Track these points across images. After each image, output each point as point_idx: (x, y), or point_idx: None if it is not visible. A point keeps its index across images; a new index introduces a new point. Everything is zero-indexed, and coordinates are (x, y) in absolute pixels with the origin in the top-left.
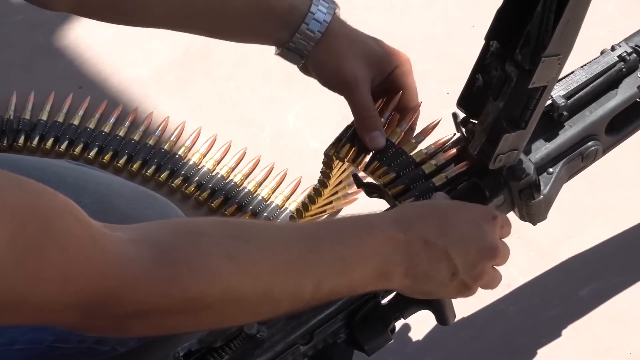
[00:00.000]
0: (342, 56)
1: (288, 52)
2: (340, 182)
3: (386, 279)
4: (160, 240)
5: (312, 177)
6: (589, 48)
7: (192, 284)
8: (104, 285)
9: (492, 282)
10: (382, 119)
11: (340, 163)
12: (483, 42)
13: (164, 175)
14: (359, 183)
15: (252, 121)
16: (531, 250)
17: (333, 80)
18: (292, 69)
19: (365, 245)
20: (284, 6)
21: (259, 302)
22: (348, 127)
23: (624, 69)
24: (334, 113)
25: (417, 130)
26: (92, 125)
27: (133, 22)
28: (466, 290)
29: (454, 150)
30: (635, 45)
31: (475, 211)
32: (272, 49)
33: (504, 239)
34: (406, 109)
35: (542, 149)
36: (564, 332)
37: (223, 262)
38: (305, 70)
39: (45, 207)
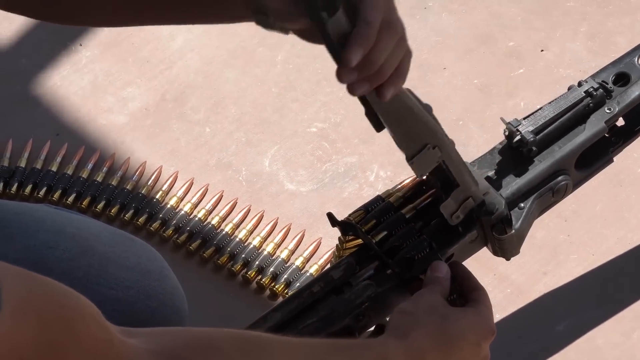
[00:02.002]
0: None
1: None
2: None
3: None
4: (174, 352)
5: (288, 219)
6: (557, 87)
7: None
8: None
9: None
10: None
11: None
12: (455, 83)
13: (142, 219)
14: (333, 222)
15: (228, 165)
16: (507, 287)
17: None
18: (266, 114)
19: None
20: None
21: None
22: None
23: (591, 104)
24: (309, 155)
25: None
26: (70, 172)
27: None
28: None
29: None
30: (602, 81)
31: (480, 331)
32: (247, 94)
33: None
34: None
35: (512, 184)
36: None
37: None
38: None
39: (69, 309)
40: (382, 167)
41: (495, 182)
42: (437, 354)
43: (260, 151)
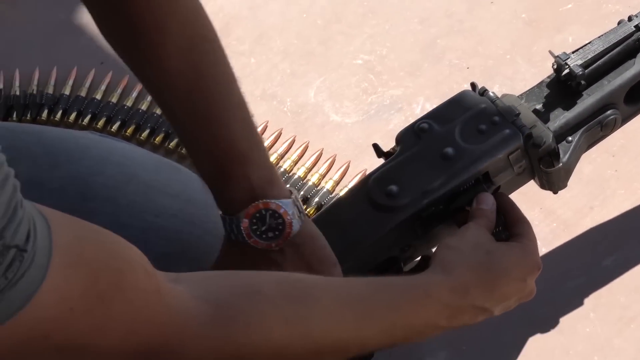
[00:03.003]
0: None
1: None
2: None
3: (427, 336)
4: (220, 297)
5: (333, 150)
6: (606, 22)
7: (245, 343)
8: (163, 339)
9: None
10: None
11: None
12: (502, 17)
13: None
14: (379, 153)
15: (273, 96)
16: (553, 221)
17: None
18: (312, 45)
19: (418, 314)
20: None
21: (306, 359)
22: None
23: None
24: (354, 87)
25: None
26: (114, 100)
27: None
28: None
29: None
30: None
31: (525, 267)
32: (292, 25)
33: None
34: None
35: (560, 117)
36: (587, 301)
37: (278, 324)
38: None
39: (118, 260)
40: (427, 100)
41: (543, 116)
42: (482, 290)
43: (305, 82)
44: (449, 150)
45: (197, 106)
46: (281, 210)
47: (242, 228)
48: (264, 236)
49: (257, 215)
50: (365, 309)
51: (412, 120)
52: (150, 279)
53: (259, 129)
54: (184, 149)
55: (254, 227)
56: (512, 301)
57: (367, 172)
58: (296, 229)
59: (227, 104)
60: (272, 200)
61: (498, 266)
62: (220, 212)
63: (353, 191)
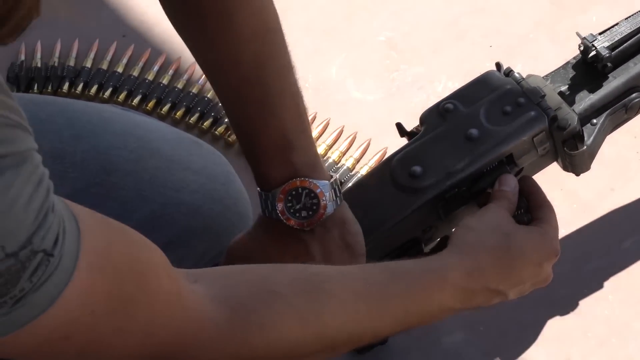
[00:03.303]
0: None
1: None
2: None
3: (440, 319)
4: (236, 300)
5: (354, 127)
6: (631, 2)
7: (261, 345)
8: (180, 342)
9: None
10: None
11: None
12: None
13: (207, 123)
14: (402, 132)
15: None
16: (573, 202)
17: None
18: (334, 22)
19: (432, 300)
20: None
21: (320, 354)
22: None
23: None
24: (377, 64)
25: None
26: (135, 73)
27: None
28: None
29: None
30: None
31: (543, 252)
32: (315, 1)
33: None
34: None
35: (586, 99)
36: (606, 283)
37: (293, 323)
38: None
39: (143, 262)
40: (449, 78)
41: (569, 98)
42: (498, 272)
43: (327, 59)
44: (474, 131)
45: (251, 95)
46: (317, 191)
47: (276, 204)
48: (297, 215)
49: (294, 192)
50: (380, 300)
51: (433, 98)
52: (172, 282)
53: None
54: (205, 124)
55: (289, 204)
56: (527, 285)
57: (388, 151)
58: (330, 211)
59: (282, 94)
60: (310, 180)
61: (515, 248)
62: (258, 188)
63: (376, 172)
